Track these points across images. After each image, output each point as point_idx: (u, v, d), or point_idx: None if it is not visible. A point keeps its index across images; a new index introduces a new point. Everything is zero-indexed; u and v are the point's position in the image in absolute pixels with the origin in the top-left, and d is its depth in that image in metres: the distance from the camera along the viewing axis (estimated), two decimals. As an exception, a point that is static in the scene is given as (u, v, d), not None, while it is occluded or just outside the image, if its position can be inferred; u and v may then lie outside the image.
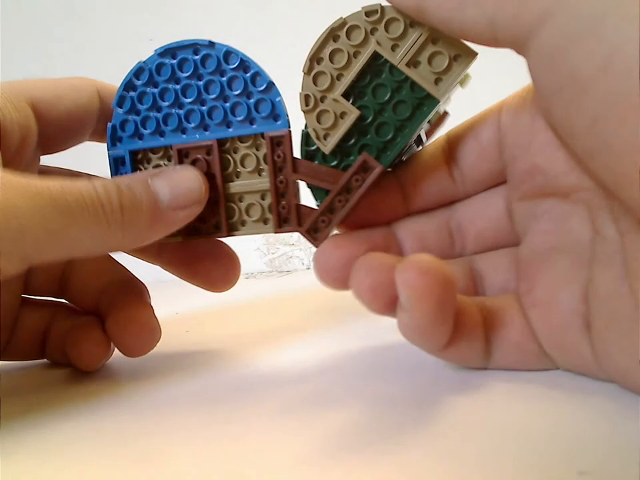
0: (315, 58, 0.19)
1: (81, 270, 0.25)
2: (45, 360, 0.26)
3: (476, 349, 0.18)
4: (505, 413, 0.16)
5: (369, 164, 0.19)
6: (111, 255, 0.26)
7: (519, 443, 0.14)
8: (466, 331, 0.18)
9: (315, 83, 0.19)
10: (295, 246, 0.46)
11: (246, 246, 0.44)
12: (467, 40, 0.17)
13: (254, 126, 0.21)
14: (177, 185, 0.20)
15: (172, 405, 0.19)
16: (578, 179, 0.18)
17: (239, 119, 0.21)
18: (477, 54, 0.18)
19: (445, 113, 0.23)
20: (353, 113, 0.19)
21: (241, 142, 0.21)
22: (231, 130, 0.21)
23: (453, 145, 0.21)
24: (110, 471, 0.15)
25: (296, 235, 0.44)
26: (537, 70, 0.15)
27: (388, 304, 0.17)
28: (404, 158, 0.22)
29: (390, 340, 0.23)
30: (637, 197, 0.13)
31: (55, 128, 0.22)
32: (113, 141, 0.22)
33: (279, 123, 0.20)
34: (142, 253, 0.25)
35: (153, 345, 0.23)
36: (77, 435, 0.17)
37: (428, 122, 0.23)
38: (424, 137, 0.23)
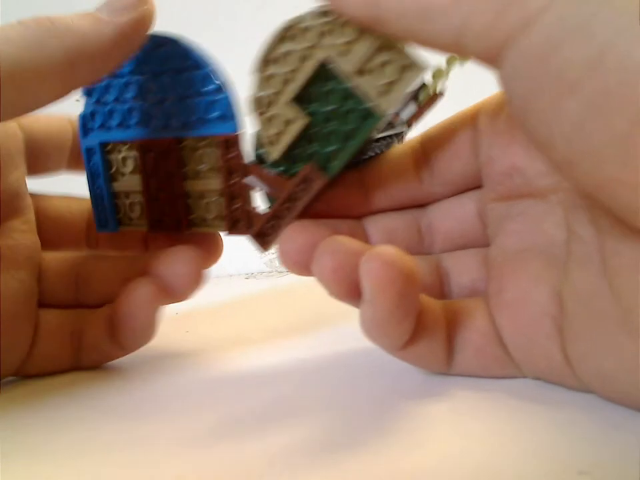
0: (265, 60, 0.18)
1: (95, 271, 0.24)
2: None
3: (436, 350, 0.18)
4: (502, 413, 0.16)
5: (312, 175, 0.19)
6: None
7: (518, 442, 0.14)
8: (427, 330, 0.18)
9: (265, 86, 0.19)
10: (295, 247, 0.45)
11: (246, 246, 0.43)
12: (432, 50, 0.16)
13: (208, 127, 0.20)
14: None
15: (170, 405, 0.19)
16: (556, 180, 0.17)
17: (194, 118, 0.20)
18: (427, 67, 0.16)
19: (437, 94, 0.22)
20: (302, 120, 0.18)
21: (199, 140, 0.21)
22: (188, 129, 0.20)
23: (426, 146, 0.21)
24: (106, 473, 0.15)
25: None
26: (512, 79, 0.14)
27: (350, 290, 0.17)
28: (366, 157, 0.21)
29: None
30: (623, 197, 0.13)
31: (37, 147, 0.23)
32: (85, 131, 0.22)
33: (231, 124, 0.20)
34: (129, 247, 0.25)
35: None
36: (73, 436, 0.17)
37: (417, 103, 0.21)
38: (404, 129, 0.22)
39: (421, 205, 0.21)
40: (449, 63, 0.21)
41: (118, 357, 0.23)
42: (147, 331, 0.22)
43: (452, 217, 0.21)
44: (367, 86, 0.17)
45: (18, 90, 0.17)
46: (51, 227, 0.24)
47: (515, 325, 0.17)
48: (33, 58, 0.17)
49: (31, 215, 0.23)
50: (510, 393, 0.17)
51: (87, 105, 0.22)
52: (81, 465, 0.15)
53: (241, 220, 0.21)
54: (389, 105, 0.17)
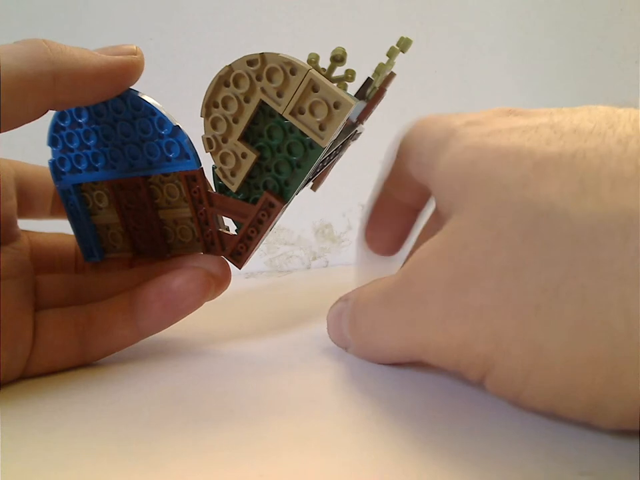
0: (210, 103, 0.20)
1: (97, 281, 0.25)
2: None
3: None
4: (503, 413, 0.16)
5: (272, 201, 0.21)
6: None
7: (518, 442, 0.14)
8: None
9: (213, 127, 0.20)
10: (295, 245, 0.46)
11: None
12: None
13: (171, 165, 0.22)
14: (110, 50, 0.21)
15: (169, 405, 0.19)
16: None
17: (156, 158, 0.22)
18: (354, 104, 0.18)
19: (382, 88, 0.23)
20: (252, 154, 0.20)
21: (165, 176, 0.23)
22: (152, 168, 0.22)
23: None
24: (103, 473, 0.15)
25: (296, 234, 0.46)
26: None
27: None
28: (320, 171, 0.23)
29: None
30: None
31: (25, 184, 0.25)
32: (57, 176, 0.24)
33: (191, 162, 0.21)
34: (115, 270, 0.27)
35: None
36: (69, 435, 0.17)
37: (366, 99, 0.23)
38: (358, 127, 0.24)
39: None
40: (391, 54, 0.22)
41: (132, 343, 0.24)
42: (180, 313, 0.23)
43: None
44: (302, 125, 0.19)
45: (8, 97, 0.18)
46: (44, 256, 0.26)
47: None
48: (22, 67, 0.18)
49: (23, 243, 0.25)
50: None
51: (54, 153, 0.24)
52: (80, 465, 0.15)
53: (214, 242, 0.23)
54: (326, 139, 0.19)
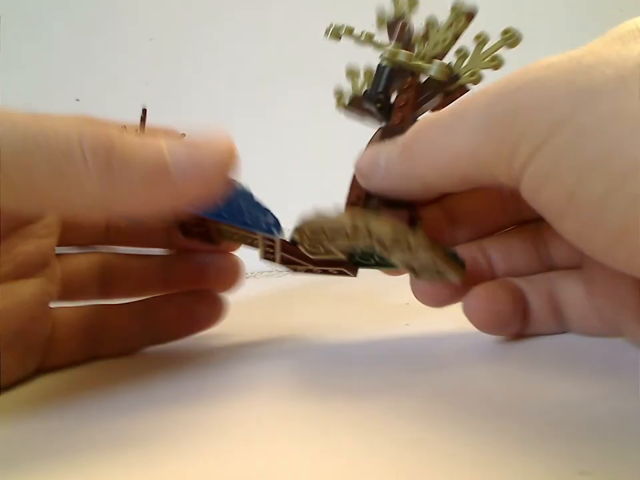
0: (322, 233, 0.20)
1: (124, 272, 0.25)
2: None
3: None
4: (503, 412, 0.16)
5: (348, 269, 0.23)
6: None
7: (518, 441, 0.14)
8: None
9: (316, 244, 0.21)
10: (294, 243, 0.42)
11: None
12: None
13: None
14: (200, 152, 0.17)
15: (169, 404, 0.19)
16: None
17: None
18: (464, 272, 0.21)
19: (463, 88, 0.23)
20: (342, 255, 0.22)
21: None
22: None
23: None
24: (106, 473, 0.15)
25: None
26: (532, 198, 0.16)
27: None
28: None
29: (389, 345, 0.25)
30: None
31: None
32: None
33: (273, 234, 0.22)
34: (150, 244, 0.27)
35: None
36: (69, 433, 0.17)
37: (446, 94, 0.23)
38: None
39: None
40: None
41: (143, 348, 0.25)
42: (195, 332, 0.26)
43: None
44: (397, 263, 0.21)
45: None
46: (73, 225, 0.24)
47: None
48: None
49: (51, 219, 0.23)
50: (510, 394, 0.18)
51: None
52: (80, 463, 0.15)
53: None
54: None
